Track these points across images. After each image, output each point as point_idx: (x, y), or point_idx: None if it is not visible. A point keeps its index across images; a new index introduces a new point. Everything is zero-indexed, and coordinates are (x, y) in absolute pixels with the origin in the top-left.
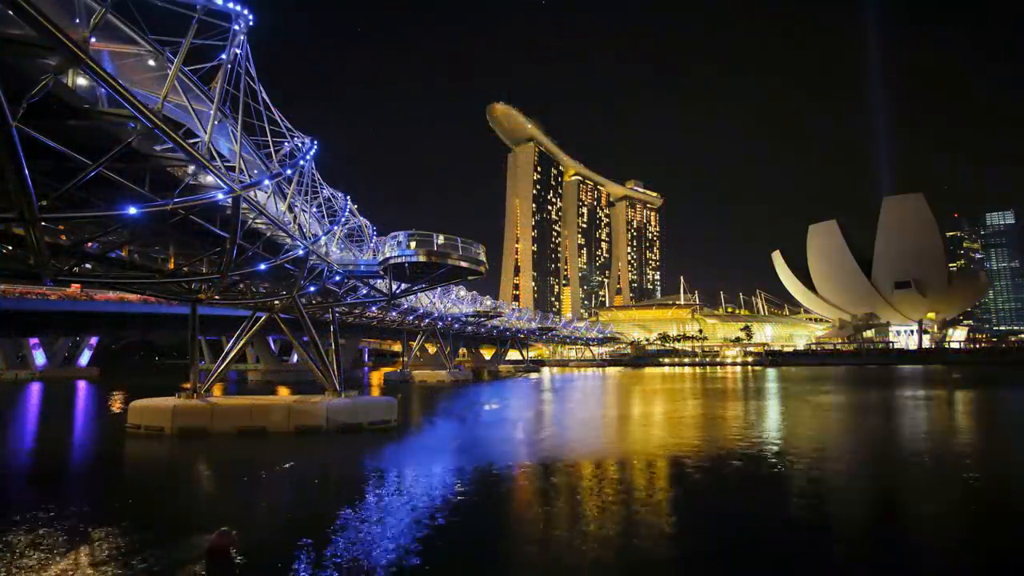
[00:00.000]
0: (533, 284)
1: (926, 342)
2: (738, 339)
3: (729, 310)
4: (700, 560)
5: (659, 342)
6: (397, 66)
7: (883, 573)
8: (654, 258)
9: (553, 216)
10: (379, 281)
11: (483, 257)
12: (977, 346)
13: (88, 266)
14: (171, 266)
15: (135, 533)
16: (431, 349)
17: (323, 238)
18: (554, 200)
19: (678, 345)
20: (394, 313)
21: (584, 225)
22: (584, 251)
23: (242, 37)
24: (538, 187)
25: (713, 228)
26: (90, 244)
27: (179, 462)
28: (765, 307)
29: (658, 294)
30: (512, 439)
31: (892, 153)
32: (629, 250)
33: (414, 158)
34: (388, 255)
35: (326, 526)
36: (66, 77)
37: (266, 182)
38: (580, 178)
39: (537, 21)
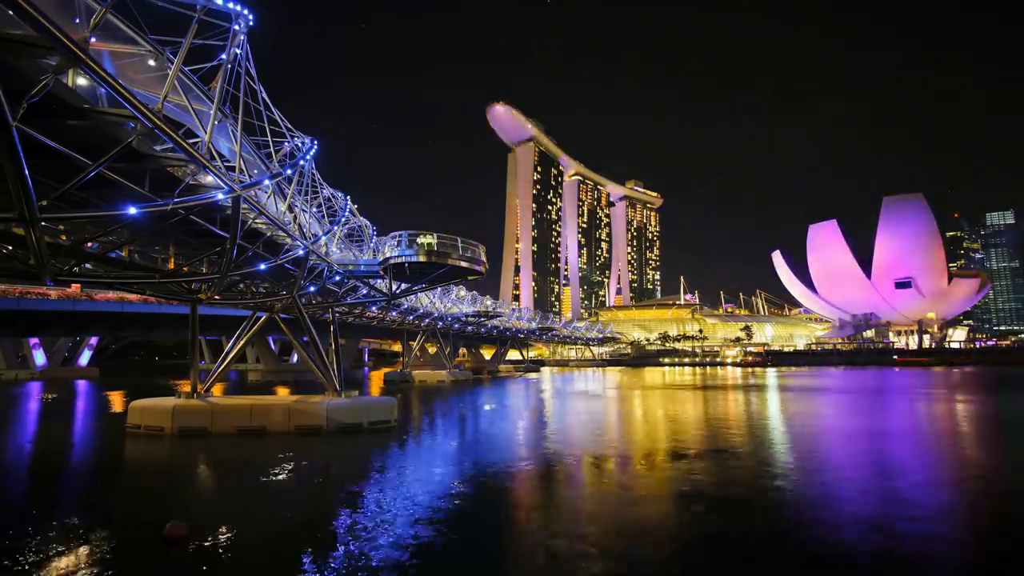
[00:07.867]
0: (533, 284)
1: (926, 342)
2: (738, 339)
3: (729, 310)
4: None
5: (659, 342)
6: (397, 65)
7: None
8: (654, 258)
9: (553, 216)
10: (379, 281)
11: (483, 257)
12: (977, 346)
13: (88, 266)
14: (171, 266)
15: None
16: (431, 349)
17: (323, 238)
18: (554, 200)
19: (678, 345)
20: (394, 313)
21: (584, 225)
22: (584, 251)
23: (242, 37)
24: (538, 187)
25: (713, 228)
26: (90, 244)
27: (177, 463)
28: (765, 307)
29: (658, 294)
30: (512, 439)
31: (891, 153)
32: (629, 250)
33: (414, 158)
34: (388, 255)
35: (322, 528)
36: (66, 77)
37: (266, 182)
38: (580, 178)
39: (538, 21)
